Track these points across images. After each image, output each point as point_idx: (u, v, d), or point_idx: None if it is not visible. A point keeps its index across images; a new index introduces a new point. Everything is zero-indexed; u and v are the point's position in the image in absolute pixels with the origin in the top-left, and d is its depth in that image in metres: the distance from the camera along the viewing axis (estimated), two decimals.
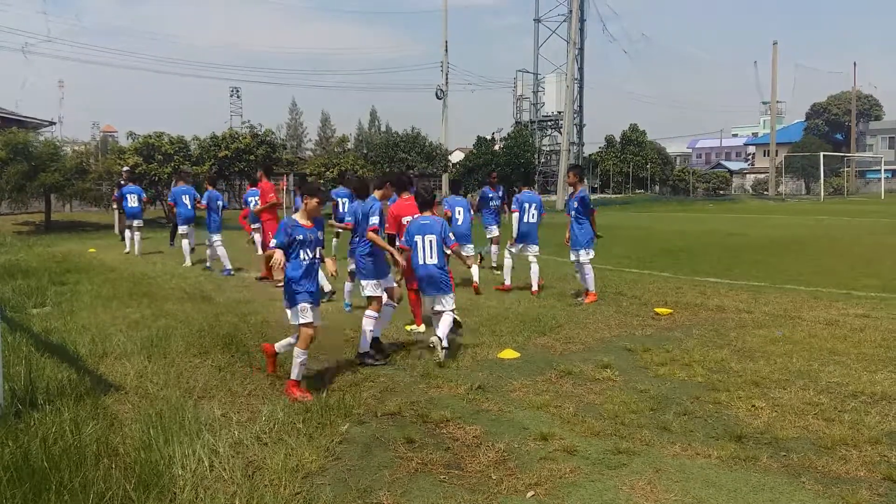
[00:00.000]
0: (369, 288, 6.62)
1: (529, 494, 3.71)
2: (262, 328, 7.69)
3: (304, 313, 5.41)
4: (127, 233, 16.19)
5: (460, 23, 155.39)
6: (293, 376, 5.39)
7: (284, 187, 26.89)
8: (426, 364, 6.13)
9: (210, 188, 13.30)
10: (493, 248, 12.45)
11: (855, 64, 65.33)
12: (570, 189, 9.76)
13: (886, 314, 8.06)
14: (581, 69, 48.85)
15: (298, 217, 5.61)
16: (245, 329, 7.63)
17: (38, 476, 3.70)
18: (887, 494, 3.65)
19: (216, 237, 12.61)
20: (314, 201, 5.60)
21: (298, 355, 5.39)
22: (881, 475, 3.86)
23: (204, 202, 13.06)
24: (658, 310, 8.40)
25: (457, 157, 47.67)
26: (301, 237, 5.45)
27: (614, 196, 50.57)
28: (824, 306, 8.59)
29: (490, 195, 12.22)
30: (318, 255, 5.60)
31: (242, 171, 29.43)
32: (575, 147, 48.55)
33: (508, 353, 6.50)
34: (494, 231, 12.23)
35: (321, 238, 5.64)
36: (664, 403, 5.09)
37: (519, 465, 4.07)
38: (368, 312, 6.48)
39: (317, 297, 5.64)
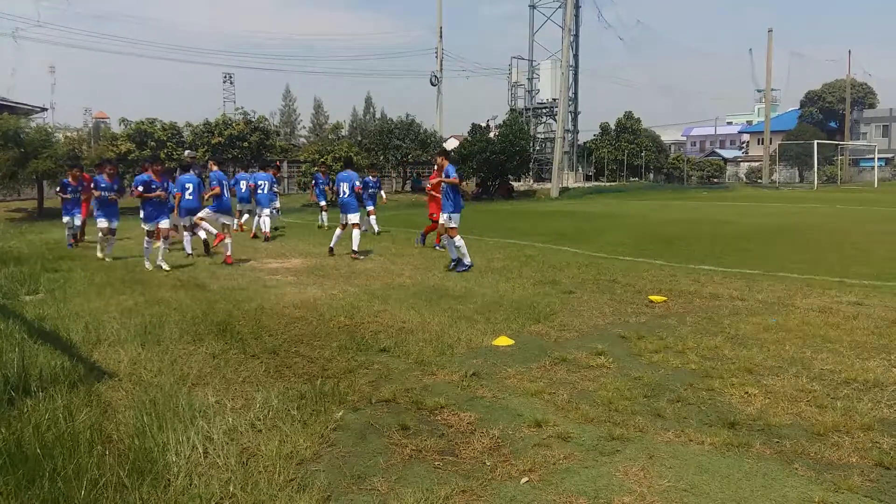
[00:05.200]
0: (453, 221, 10.61)
1: (524, 480, 3.72)
2: (257, 315, 7.68)
3: None
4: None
5: (455, 9, 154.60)
6: None
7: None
8: (421, 351, 6.13)
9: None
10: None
11: (850, 52, 64.82)
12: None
13: (879, 302, 8.09)
14: (576, 56, 48.58)
15: None
16: (239, 316, 7.61)
17: (32, 463, 3.69)
18: (879, 480, 3.68)
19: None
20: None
21: None
22: (873, 461, 3.89)
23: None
24: (652, 297, 8.41)
25: (451, 144, 47.50)
26: None
27: (609, 184, 50.59)
28: (817, 294, 8.62)
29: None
30: None
31: (236, 158, 29.39)
32: (570, 134, 48.38)
33: (503, 341, 6.51)
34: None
35: None
36: (658, 390, 5.10)
37: (513, 452, 4.08)
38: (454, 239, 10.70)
39: None
